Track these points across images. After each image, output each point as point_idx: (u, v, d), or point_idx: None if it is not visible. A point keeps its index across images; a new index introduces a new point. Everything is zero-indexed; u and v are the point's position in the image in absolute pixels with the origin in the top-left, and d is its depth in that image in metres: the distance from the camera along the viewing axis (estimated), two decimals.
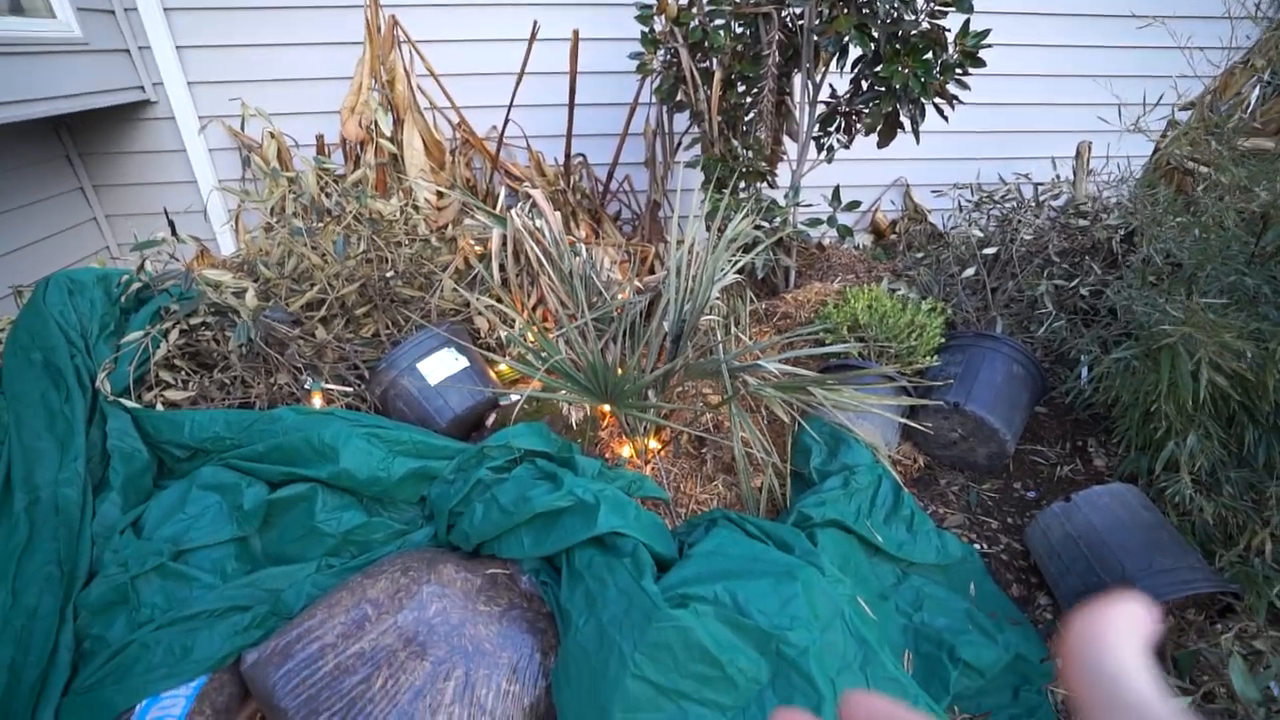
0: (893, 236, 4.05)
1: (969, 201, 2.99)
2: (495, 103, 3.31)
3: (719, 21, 2.60)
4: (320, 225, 2.27)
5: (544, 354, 1.84)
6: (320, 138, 3.05)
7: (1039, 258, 2.57)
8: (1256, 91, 2.48)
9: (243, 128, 3.20)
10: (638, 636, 1.21)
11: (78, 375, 1.93)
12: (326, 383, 1.98)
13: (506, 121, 3.29)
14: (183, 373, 2.06)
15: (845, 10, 2.36)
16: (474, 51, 3.32)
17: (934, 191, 3.61)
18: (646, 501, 1.90)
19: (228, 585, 1.51)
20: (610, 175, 3.61)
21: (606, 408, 2.07)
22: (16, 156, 3.10)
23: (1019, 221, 2.67)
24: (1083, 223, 2.66)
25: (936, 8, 2.35)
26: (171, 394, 1.95)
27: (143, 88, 3.31)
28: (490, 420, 2.19)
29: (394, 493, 1.70)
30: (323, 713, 1.28)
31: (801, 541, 1.56)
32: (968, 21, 2.32)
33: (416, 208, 2.60)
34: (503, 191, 3.06)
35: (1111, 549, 1.81)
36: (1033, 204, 2.77)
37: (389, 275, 2.21)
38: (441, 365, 2.12)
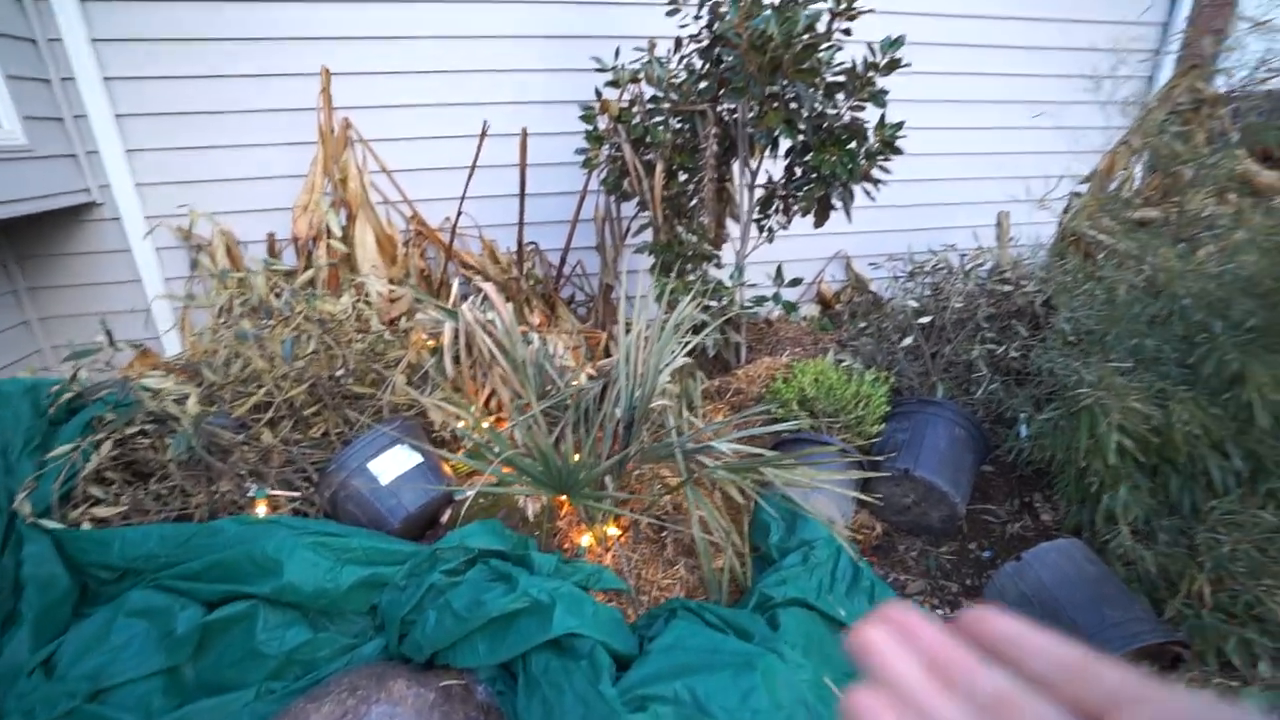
0: (838, 306, 4.23)
1: (903, 273, 3.16)
2: (448, 195, 3.42)
3: (658, 119, 2.77)
4: (269, 326, 2.25)
5: (497, 448, 1.84)
6: (271, 236, 3.07)
7: (971, 323, 2.72)
8: (1139, 169, 2.75)
9: (191, 227, 3.20)
10: None
11: None
12: (272, 488, 1.92)
13: (459, 213, 3.38)
14: (115, 486, 1.97)
15: (774, 106, 2.55)
16: (427, 148, 3.44)
17: (871, 263, 3.81)
18: (607, 594, 1.86)
19: None
20: (563, 261, 3.71)
21: (564, 498, 2.06)
22: None
23: (950, 290, 2.84)
24: (1006, 288, 2.83)
25: (855, 102, 2.56)
26: (101, 510, 1.86)
27: (89, 190, 3.30)
28: (445, 517, 2.14)
29: (342, 604, 1.62)
30: None
31: (761, 627, 1.54)
32: (884, 114, 2.53)
33: (369, 303, 2.61)
34: (456, 282, 3.10)
35: (1063, 605, 1.84)
36: (961, 273, 2.95)
37: (339, 373, 2.19)
38: (393, 463, 2.08)
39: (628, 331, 2.12)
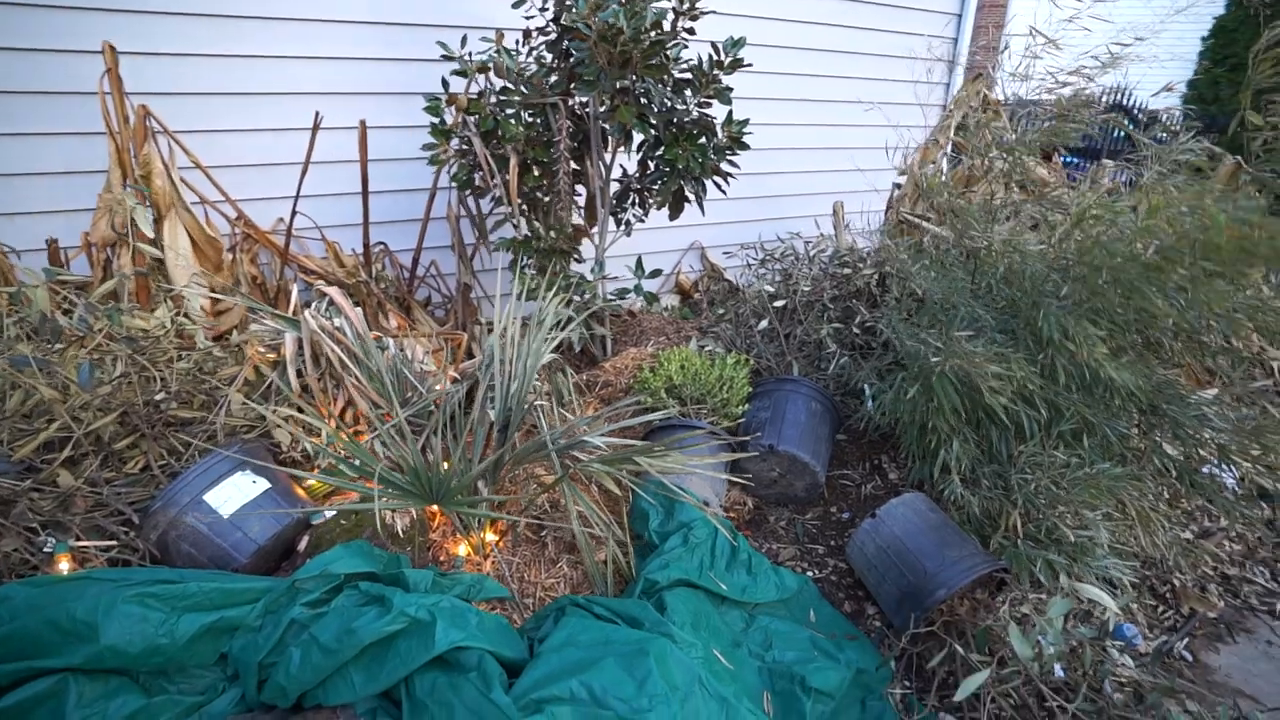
0: (697, 295, 4.40)
1: (755, 260, 3.35)
2: (280, 194, 3.10)
3: (510, 111, 2.70)
4: (59, 349, 1.91)
5: (357, 461, 1.70)
6: (52, 243, 2.60)
7: (818, 305, 2.95)
8: (945, 163, 3.13)
9: None
10: None
11: None
12: (78, 538, 1.63)
13: (294, 213, 3.08)
14: None
15: (626, 101, 2.58)
16: (252, 141, 3.09)
17: (725, 252, 4.00)
18: (490, 603, 1.80)
19: None
20: (415, 261, 3.52)
21: (436, 508, 1.96)
22: None
23: (798, 275, 3.05)
24: (846, 271, 3.10)
25: (703, 99, 2.67)
26: None
27: None
28: (303, 544, 1.95)
29: (183, 659, 1.41)
30: None
31: (649, 613, 1.56)
32: (731, 111, 2.66)
33: (190, 317, 2.30)
34: (296, 288, 2.83)
35: (913, 552, 2.06)
36: (806, 259, 3.19)
37: (158, 397, 1.91)
38: (236, 492, 1.86)
39: (493, 330, 2.05)
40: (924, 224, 3.05)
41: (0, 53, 2.64)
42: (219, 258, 3.10)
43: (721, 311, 3.34)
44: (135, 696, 1.36)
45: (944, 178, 3.00)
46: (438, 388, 2.36)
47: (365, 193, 3.08)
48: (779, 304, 2.91)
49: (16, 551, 1.67)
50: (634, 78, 2.51)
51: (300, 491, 2.07)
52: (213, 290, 3.02)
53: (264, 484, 1.90)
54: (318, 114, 2.89)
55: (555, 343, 2.36)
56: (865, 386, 2.70)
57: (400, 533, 1.95)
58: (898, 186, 3.66)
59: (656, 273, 3.07)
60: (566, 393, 2.48)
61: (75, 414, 1.76)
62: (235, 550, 1.81)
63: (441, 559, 2.11)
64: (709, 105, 2.68)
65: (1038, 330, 2.12)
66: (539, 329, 2.33)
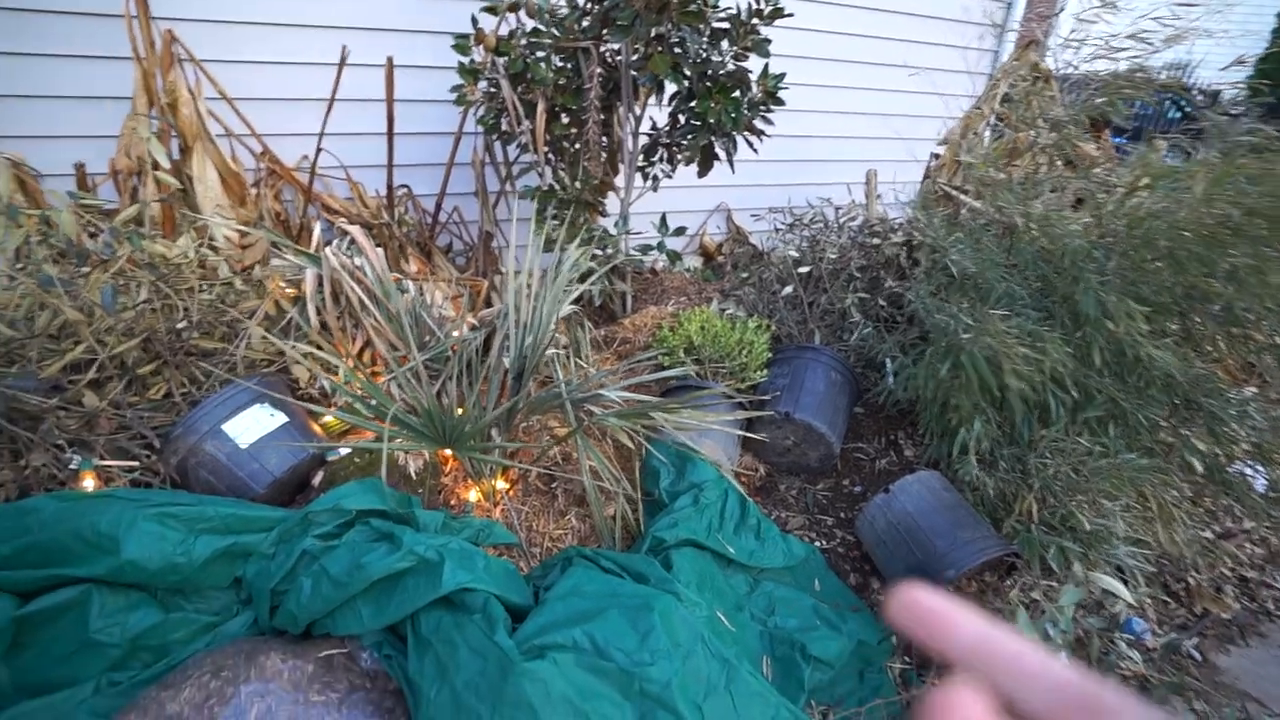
0: (720, 258, 4.32)
1: (783, 225, 3.27)
2: (305, 130, 3.05)
3: (540, 54, 2.61)
4: (85, 272, 1.92)
5: (374, 401, 1.70)
6: (80, 167, 2.59)
7: (845, 274, 2.88)
8: (988, 132, 2.99)
9: None
10: (496, 698, 1.13)
11: None
12: (102, 458, 1.66)
13: (319, 150, 3.04)
14: None
15: (660, 49, 2.49)
16: (277, 75, 3.04)
17: (752, 215, 3.91)
18: (498, 549, 1.82)
19: None
20: (438, 206, 3.48)
21: (448, 452, 1.97)
22: None
23: (825, 242, 2.97)
24: (875, 241, 3.02)
25: (739, 50, 2.56)
26: None
27: None
28: (317, 479, 1.97)
29: (199, 580, 1.45)
30: None
31: (656, 570, 1.57)
32: (767, 65, 2.55)
33: (214, 248, 2.30)
34: (319, 226, 2.81)
35: (924, 530, 2.04)
36: (835, 226, 3.10)
37: (180, 326, 1.92)
38: (254, 424, 1.88)
39: (516, 276, 2.02)
40: (961, 196, 2.94)
41: None
42: (243, 191, 3.08)
43: (745, 275, 3.28)
44: (153, 611, 1.40)
45: (986, 149, 2.87)
46: (455, 334, 2.35)
47: (390, 133, 3.03)
48: (804, 270, 2.84)
49: (45, 467, 1.71)
50: (670, 25, 2.41)
51: (316, 428, 2.09)
52: (241, 224, 3.02)
53: (282, 418, 1.92)
54: (344, 48, 2.82)
55: (575, 295, 2.33)
56: (887, 360, 2.65)
57: (413, 474, 1.97)
58: (935, 156, 3.52)
59: (681, 230, 3.00)
60: (585, 346, 2.46)
61: (100, 337, 1.77)
62: (252, 480, 1.84)
63: (452, 503, 2.14)
64: (745, 58, 2.57)
65: (1076, 307, 2.04)
66: (558, 280, 2.30)
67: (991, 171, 2.66)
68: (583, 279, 2.59)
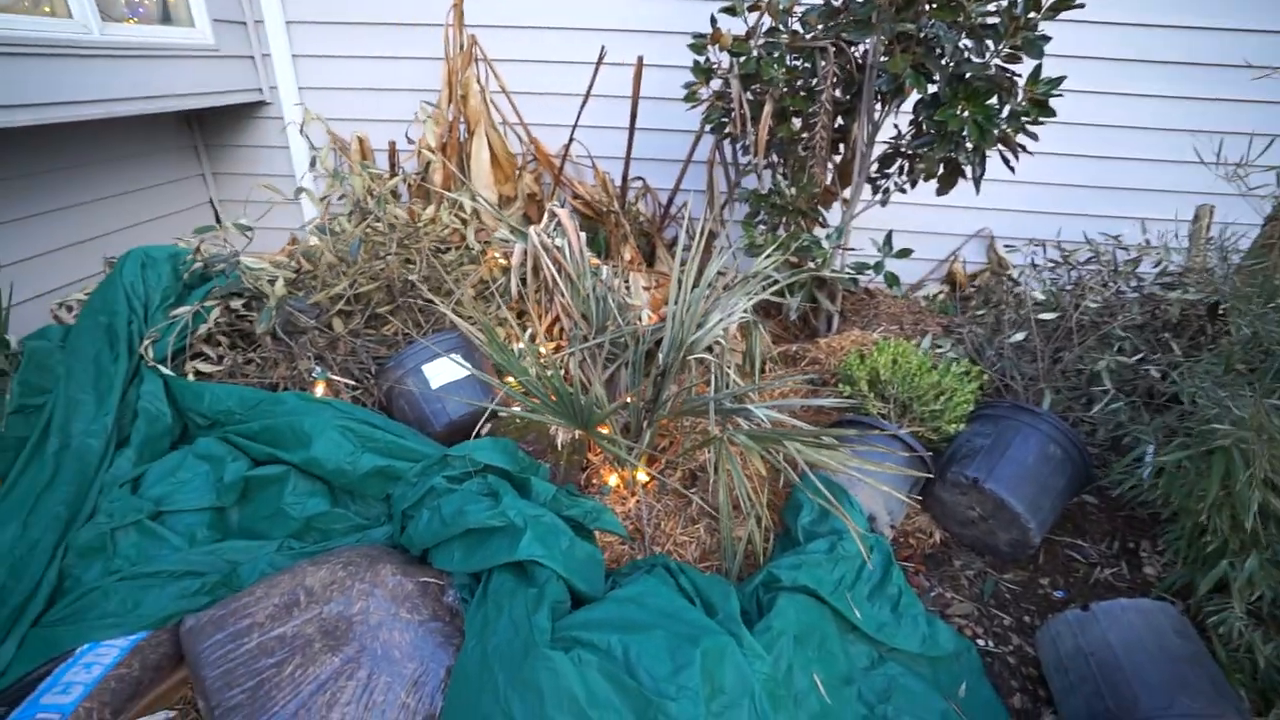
0: (970, 289, 3.77)
1: (1045, 260, 2.72)
2: (563, 121, 3.42)
3: (775, 54, 2.53)
4: (360, 226, 2.41)
5: (533, 373, 1.85)
6: (392, 144, 3.26)
7: (1104, 329, 2.29)
8: None
9: (303, 131, 3.48)
10: (513, 672, 1.17)
11: (129, 340, 2.15)
12: (334, 374, 2.09)
13: (571, 140, 3.38)
14: (221, 348, 2.24)
15: (904, 47, 2.23)
16: (544, 72, 3.45)
17: (1006, 246, 3.32)
18: (620, 539, 1.84)
19: (192, 550, 1.62)
20: (670, 200, 3.61)
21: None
22: (153, 144, 3.55)
23: (1089, 287, 2.40)
24: (1172, 294, 2.34)
25: (1008, 49, 2.17)
26: (203, 366, 2.13)
27: (260, 90, 3.69)
28: (485, 430, 2.22)
29: (361, 487, 1.75)
30: (234, 688, 1.33)
31: (729, 606, 1.44)
32: (1039, 67, 2.12)
33: (463, 219, 2.71)
34: (550, 206, 3.13)
35: (1127, 676, 1.56)
36: (1112, 270, 2.48)
37: (413, 279, 2.31)
38: (446, 370, 2.18)
39: (682, 278, 2.01)
40: None
41: None
42: (511, 171, 3.57)
43: (981, 312, 2.81)
44: (323, 501, 1.74)
45: None
46: (638, 322, 2.43)
47: (632, 127, 3.22)
48: (1047, 316, 2.32)
49: (309, 370, 2.22)
50: (922, 20, 2.14)
51: (497, 384, 2.35)
52: (501, 199, 3.52)
53: (468, 369, 2.19)
54: (603, 47, 3.07)
55: (753, 301, 2.24)
56: (1143, 445, 2.05)
57: (559, 446, 2.09)
58: None
59: (906, 252, 2.68)
60: (759, 357, 2.35)
61: (354, 278, 2.23)
62: (434, 418, 2.14)
63: (595, 482, 2.23)
64: (1015, 59, 2.18)
65: None
66: (743, 285, 2.23)
67: None
68: (790, 290, 2.48)
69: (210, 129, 3.83)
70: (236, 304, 2.26)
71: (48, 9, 2.73)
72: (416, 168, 3.37)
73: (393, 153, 3.26)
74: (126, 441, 1.99)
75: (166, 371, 2.12)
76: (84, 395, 1.97)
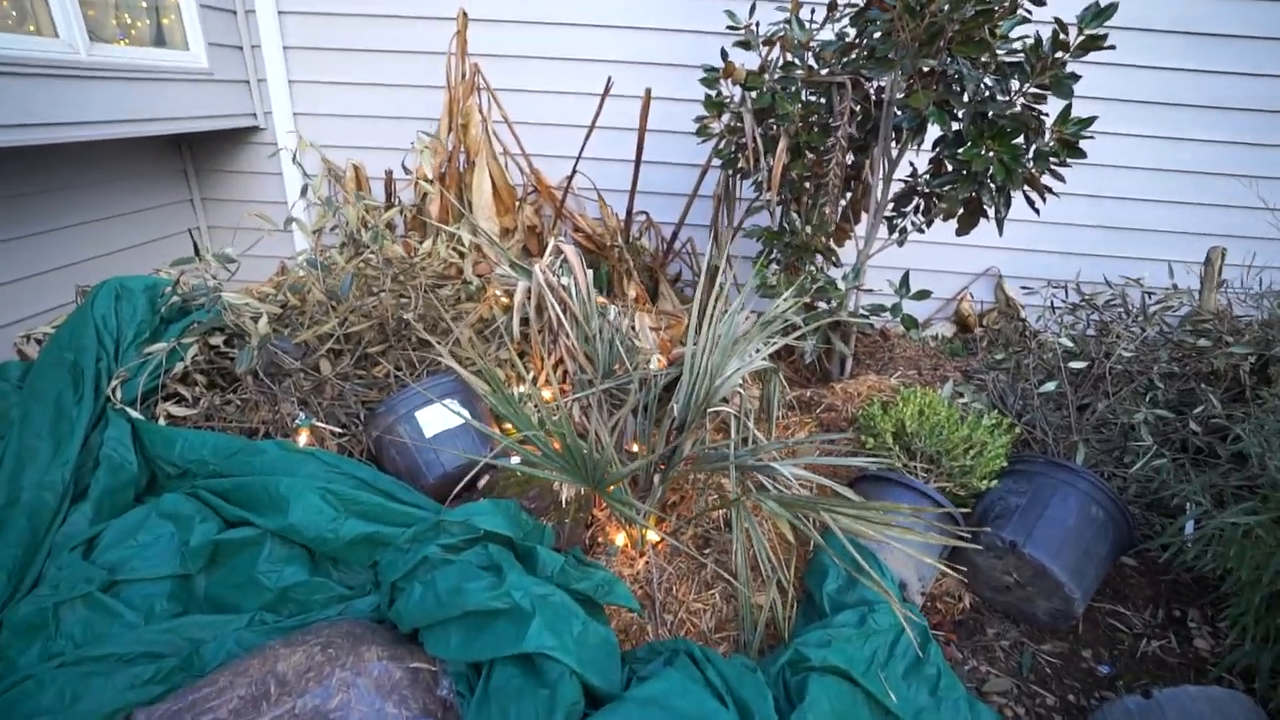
0: (979, 330, 3.67)
1: (1063, 303, 2.62)
2: (567, 153, 3.32)
3: (792, 89, 2.45)
4: (353, 260, 2.27)
5: (538, 417, 1.70)
6: (389, 173, 3.14)
7: (1142, 378, 2.18)
8: None
9: (295, 159, 3.37)
10: None
11: (97, 379, 1.98)
12: (319, 420, 1.93)
13: (574, 172, 3.28)
14: (197, 389, 2.07)
15: (926, 84, 2.15)
16: (548, 102, 3.36)
17: (1022, 287, 3.23)
18: (633, 613, 1.67)
19: (149, 627, 1.43)
20: (674, 235, 3.51)
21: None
22: (141, 167, 3.41)
23: (1119, 333, 2.29)
24: (1203, 342, 2.24)
25: (1034, 88, 2.09)
26: (176, 409, 1.96)
27: (254, 114, 3.58)
28: (483, 482, 2.05)
29: (344, 555, 1.58)
30: None
31: (766, 709, 1.27)
32: (1069, 106, 2.04)
33: (461, 252, 2.57)
34: (552, 240, 3.01)
35: None
36: (1140, 314, 2.38)
37: (407, 316, 2.16)
38: (440, 417, 2.02)
39: (702, 319, 1.88)
40: None
41: (385, 19, 3.27)
42: (511, 203, 3.46)
43: (1000, 357, 2.69)
44: (302, 570, 1.56)
45: None
46: (644, 368, 2.29)
47: (638, 160, 3.13)
48: (1078, 365, 2.21)
49: (290, 415, 2.05)
50: (948, 57, 2.06)
51: (498, 431, 2.18)
52: (502, 231, 3.40)
53: (464, 416, 2.03)
54: (609, 79, 2.98)
55: (773, 348, 2.11)
56: (1189, 507, 1.93)
57: (563, 502, 1.93)
58: None
59: (924, 294, 2.57)
60: (774, 406, 2.22)
61: (345, 316, 2.08)
62: (426, 469, 1.97)
63: (599, 541, 2.06)
64: (1041, 99, 2.10)
65: None
66: (760, 331, 2.11)
67: None
68: (786, 332, 2.35)
69: (201, 153, 3.71)
70: (217, 340, 2.10)
71: (33, 27, 2.61)
72: (414, 198, 3.24)
73: (389, 182, 3.14)
74: (85, 494, 1.80)
75: (135, 415, 1.94)
76: (40, 442, 1.78)
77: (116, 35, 2.93)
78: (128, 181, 3.34)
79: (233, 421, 2.06)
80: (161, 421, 1.99)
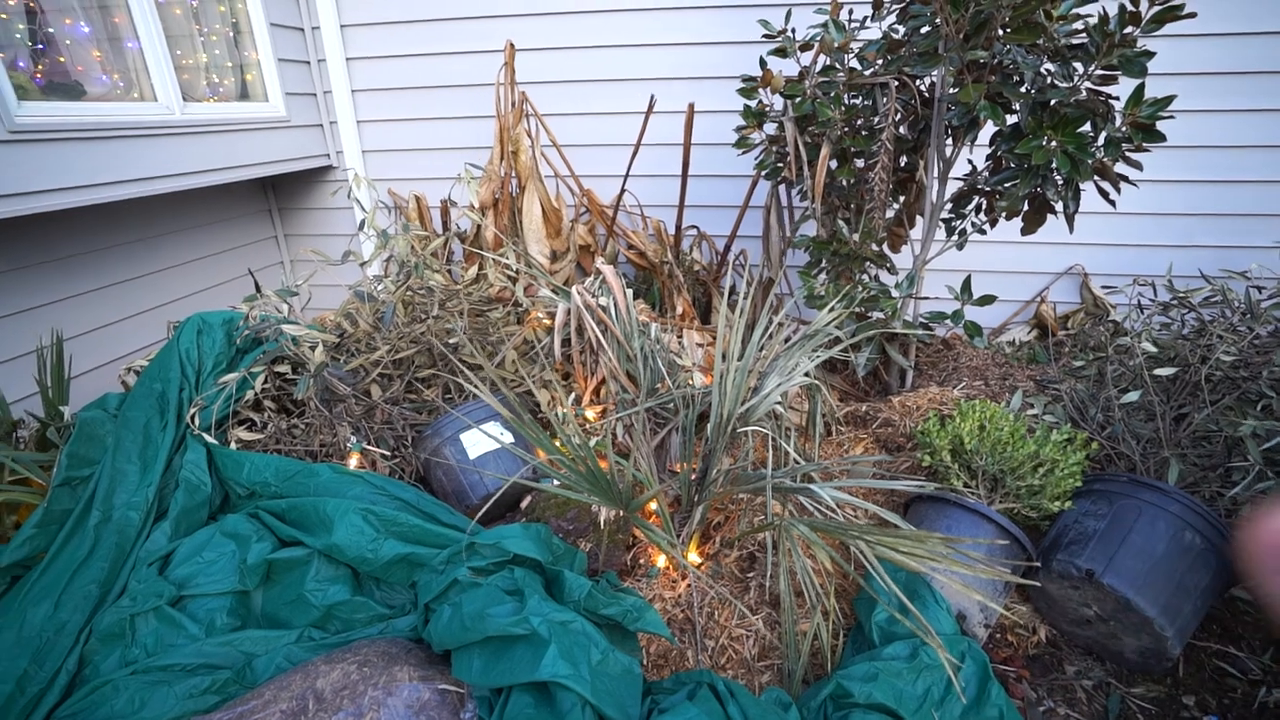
0: (1061, 334, 3.38)
1: (1152, 301, 2.37)
2: (614, 172, 3.36)
3: (832, 94, 2.37)
4: (400, 289, 2.37)
5: (576, 441, 1.70)
6: (444, 202, 3.28)
7: (1244, 385, 1.93)
8: None
9: (352, 193, 3.57)
10: None
11: (179, 407, 2.16)
12: (369, 443, 2.02)
13: (623, 190, 3.30)
14: (266, 414, 2.22)
15: (977, 77, 2.02)
16: (593, 124, 3.42)
17: (1104, 286, 2.96)
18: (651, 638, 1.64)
19: (209, 640, 1.53)
20: (727, 248, 3.46)
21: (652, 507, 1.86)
22: (230, 210, 3.74)
23: (1219, 333, 2.04)
24: None
25: (1101, 70, 1.92)
26: (246, 434, 2.10)
27: (328, 155, 3.84)
28: (525, 502, 2.08)
29: (384, 574, 1.64)
30: None
31: None
32: (1141, 86, 1.86)
33: (512, 277, 2.64)
34: (599, 260, 3.04)
35: None
36: (1244, 311, 2.12)
37: (454, 341, 2.23)
38: (484, 439, 2.07)
39: (730, 335, 1.83)
40: None
41: (441, 56, 3.43)
42: (560, 224, 3.53)
43: (1080, 364, 2.47)
44: (345, 589, 1.62)
45: None
46: (685, 386, 2.25)
47: (685, 174, 3.11)
48: (1165, 371, 1.98)
49: (348, 439, 2.16)
50: (1001, 45, 1.93)
51: (540, 454, 2.21)
52: (552, 253, 3.47)
53: (507, 438, 2.07)
54: (652, 96, 2.99)
55: (817, 363, 2.02)
56: None
57: (601, 524, 1.92)
58: None
59: (988, 299, 2.40)
60: (818, 423, 2.12)
61: (394, 343, 2.17)
62: (471, 490, 2.02)
63: (641, 562, 2.04)
64: (1111, 79, 1.92)
65: None
66: (802, 343, 2.03)
67: None
68: (832, 345, 2.25)
69: (283, 193, 4.01)
70: (284, 368, 2.24)
71: (136, 94, 2.91)
72: (470, 226, 3.37)
73: (445, 211, 3.28)
74: (165, 513, 1.96)
75: (209, 440, 2.10)
76: (129, 465, 1.96)
77: (205, 94, 3.22)
78: (219, 224, 3.66)
79: (298, 444, 2.19)
80: (233, 445, 2.14)
